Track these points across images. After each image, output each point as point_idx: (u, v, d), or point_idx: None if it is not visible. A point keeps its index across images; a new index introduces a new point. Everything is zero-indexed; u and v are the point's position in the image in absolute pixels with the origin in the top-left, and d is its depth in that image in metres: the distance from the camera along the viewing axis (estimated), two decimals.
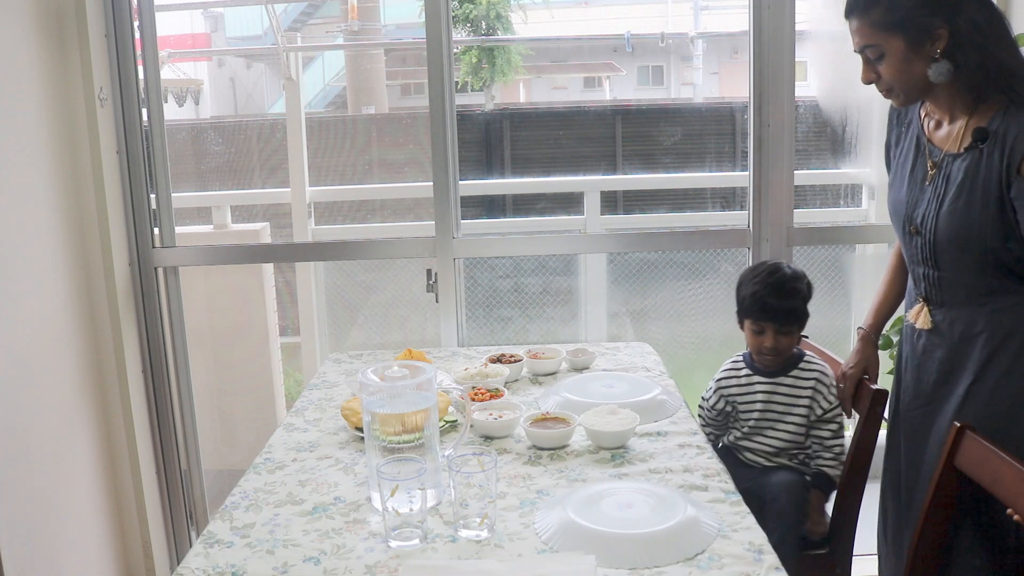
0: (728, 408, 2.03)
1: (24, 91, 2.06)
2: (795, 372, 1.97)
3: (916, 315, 1.69)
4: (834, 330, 1.90)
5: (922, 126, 1.67)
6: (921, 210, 1.62)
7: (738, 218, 2.88)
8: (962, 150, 1.55)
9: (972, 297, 1.59)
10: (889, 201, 1.74)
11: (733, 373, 2.04)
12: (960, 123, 1.57)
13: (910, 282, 1.76)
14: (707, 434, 1.98)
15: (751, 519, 1.38)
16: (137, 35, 2.32)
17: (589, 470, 1.58)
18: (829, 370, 1.96)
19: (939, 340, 1.65)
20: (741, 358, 2.05)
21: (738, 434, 2.03)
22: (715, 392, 2.05)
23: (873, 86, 1.61)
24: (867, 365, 1.87)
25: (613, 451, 1.66)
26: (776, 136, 2.33)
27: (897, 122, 1.75)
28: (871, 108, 2.96)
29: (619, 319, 3.17)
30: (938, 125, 1.63)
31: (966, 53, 1.50)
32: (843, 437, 1.94)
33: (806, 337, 2.13)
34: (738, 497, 1.45)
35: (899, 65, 1.54)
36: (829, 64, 3.18)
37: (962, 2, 1.50)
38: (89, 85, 2.21)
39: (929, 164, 1.62)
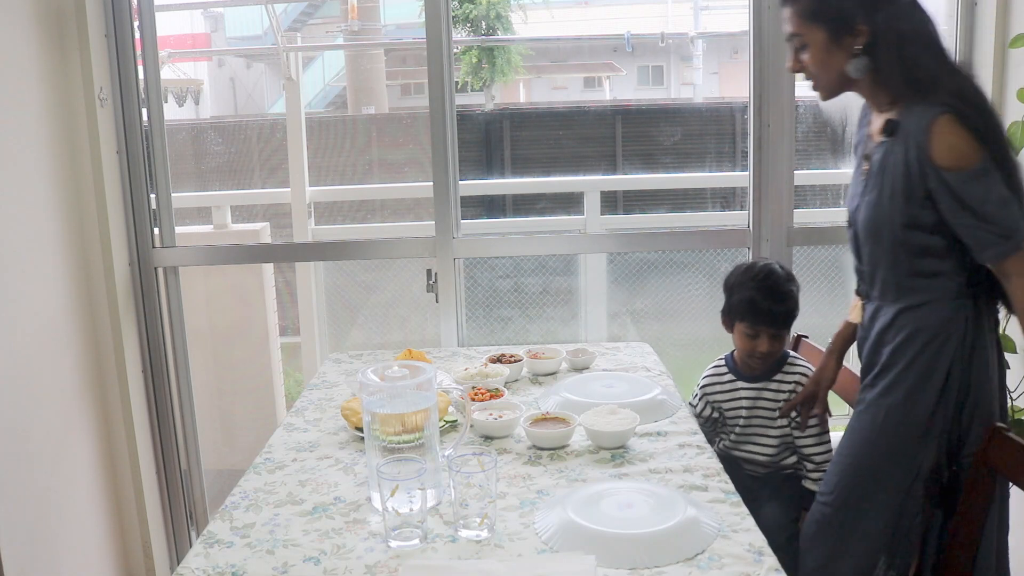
0: (715, 415, 2.02)
1: (24, 91, 2.06)
2: (779, 376, 1.95)
3: (852, 310, 1.74)
4: (833, 330, 1.89)
5: (870, 121, 1.69)
6: (853, 203, 1.67)
7: (738, 218, 2.87)
8: (877, 143, 1.59)
9: (887, 293, 1.62)
10: None
11: (716, 379, 2.02)
12: (884, 116, 1.60)
13: None
14: None
15: (751, 520, 1.37)
16: (137, 35, 2.32)
17: (589, 470, 1.58)
18: (811, 371, 1.95)
19: (864, 335, 1.68)
20: (723, 362, 2.03)
21: (727, 442, 2.01)
22: (701, 399, 2.03)
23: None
24: (820, 378, 1.87)
25: (613, 451, 1.65)
26: (776, 136, 2.33)
27: (860, 123, 1.76)
28: None
29: (619, 319, 3.17)
30: (874, 116, 1.66)
31: (883, 52, 1.52)
32: (828, 443, 1.93)
33: (806, 337, 2.13)
34: (738, 498, 1.45)
35: (819, 56, 1.58)
36: None
37: (886, 2, 1.52)
38: (89, 85, 2.21)
39: (864, 157, 1.66)
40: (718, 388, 2.01)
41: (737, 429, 1.97)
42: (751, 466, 1.99)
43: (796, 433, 1.93)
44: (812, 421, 1.91)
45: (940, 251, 1.54)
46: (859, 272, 1.70)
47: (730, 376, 2.00)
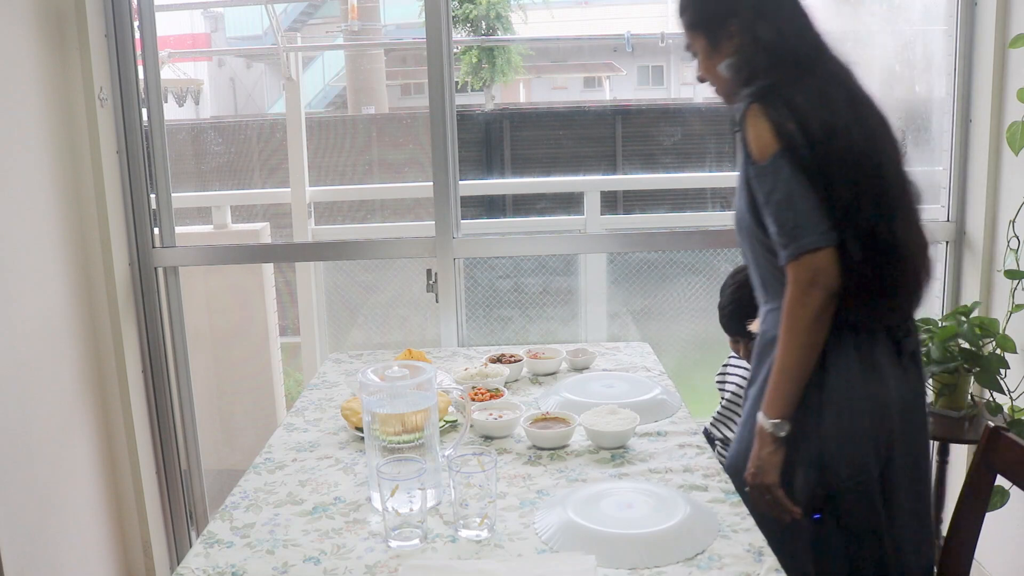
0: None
1: (24, 91, 2.06)
2: None
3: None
4: None
5: None
6: None
7: None
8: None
9: (760, 294, 1.58)
10: None
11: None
12: None
13: None
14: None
15: (751, 520, 1.37)
16: (137, 35, 2.32)
17: (589, 470, 1.58)
18: None
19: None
20: None
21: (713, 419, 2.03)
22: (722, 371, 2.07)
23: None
24: None
25: (613, 451, 1.65)
26: None
27: None
28: None
29: (619, 319, 3.17)
30: None
31: (746, 50, 1.49)
32: None
33: None
34: (738, 498, 1.45)
35: (705, 63, 1.57)
36: None
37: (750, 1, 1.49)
38: (89, 85, 2.21)
39: None
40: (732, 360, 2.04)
41: (722, 403, 2.01)
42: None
43: None
44: None
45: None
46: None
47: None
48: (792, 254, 1.39)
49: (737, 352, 1.97)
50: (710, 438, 2.02)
